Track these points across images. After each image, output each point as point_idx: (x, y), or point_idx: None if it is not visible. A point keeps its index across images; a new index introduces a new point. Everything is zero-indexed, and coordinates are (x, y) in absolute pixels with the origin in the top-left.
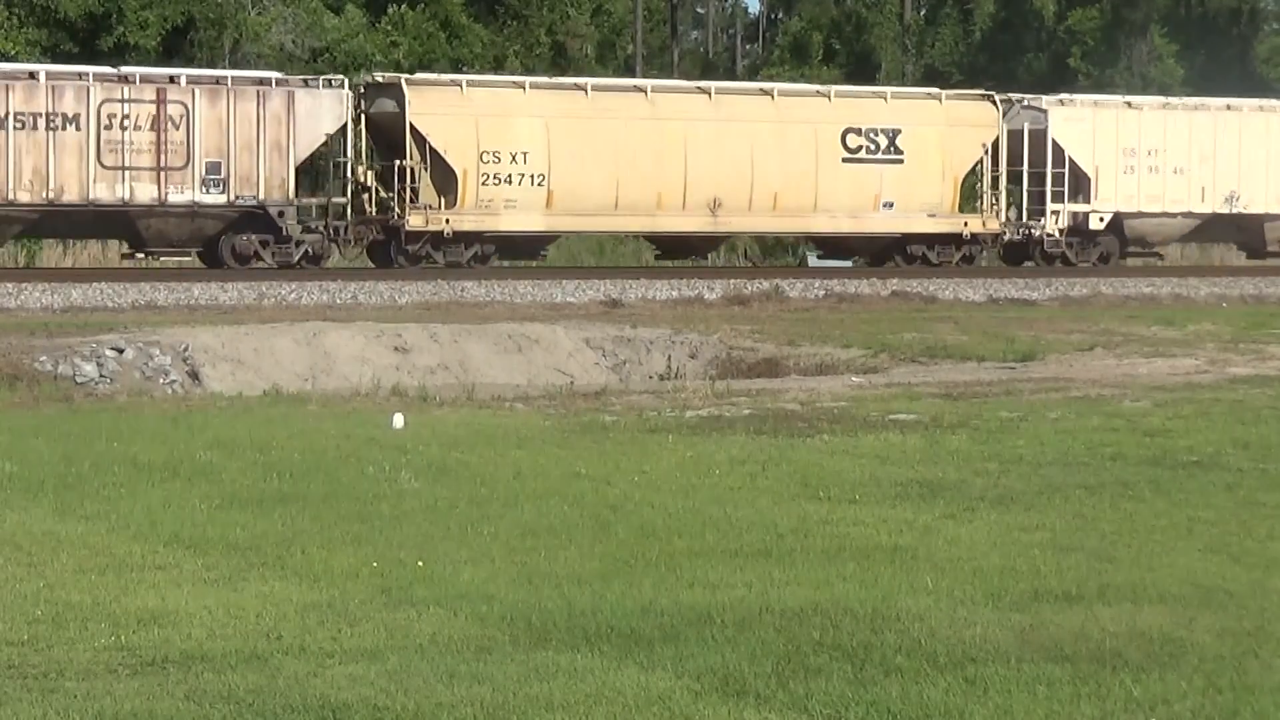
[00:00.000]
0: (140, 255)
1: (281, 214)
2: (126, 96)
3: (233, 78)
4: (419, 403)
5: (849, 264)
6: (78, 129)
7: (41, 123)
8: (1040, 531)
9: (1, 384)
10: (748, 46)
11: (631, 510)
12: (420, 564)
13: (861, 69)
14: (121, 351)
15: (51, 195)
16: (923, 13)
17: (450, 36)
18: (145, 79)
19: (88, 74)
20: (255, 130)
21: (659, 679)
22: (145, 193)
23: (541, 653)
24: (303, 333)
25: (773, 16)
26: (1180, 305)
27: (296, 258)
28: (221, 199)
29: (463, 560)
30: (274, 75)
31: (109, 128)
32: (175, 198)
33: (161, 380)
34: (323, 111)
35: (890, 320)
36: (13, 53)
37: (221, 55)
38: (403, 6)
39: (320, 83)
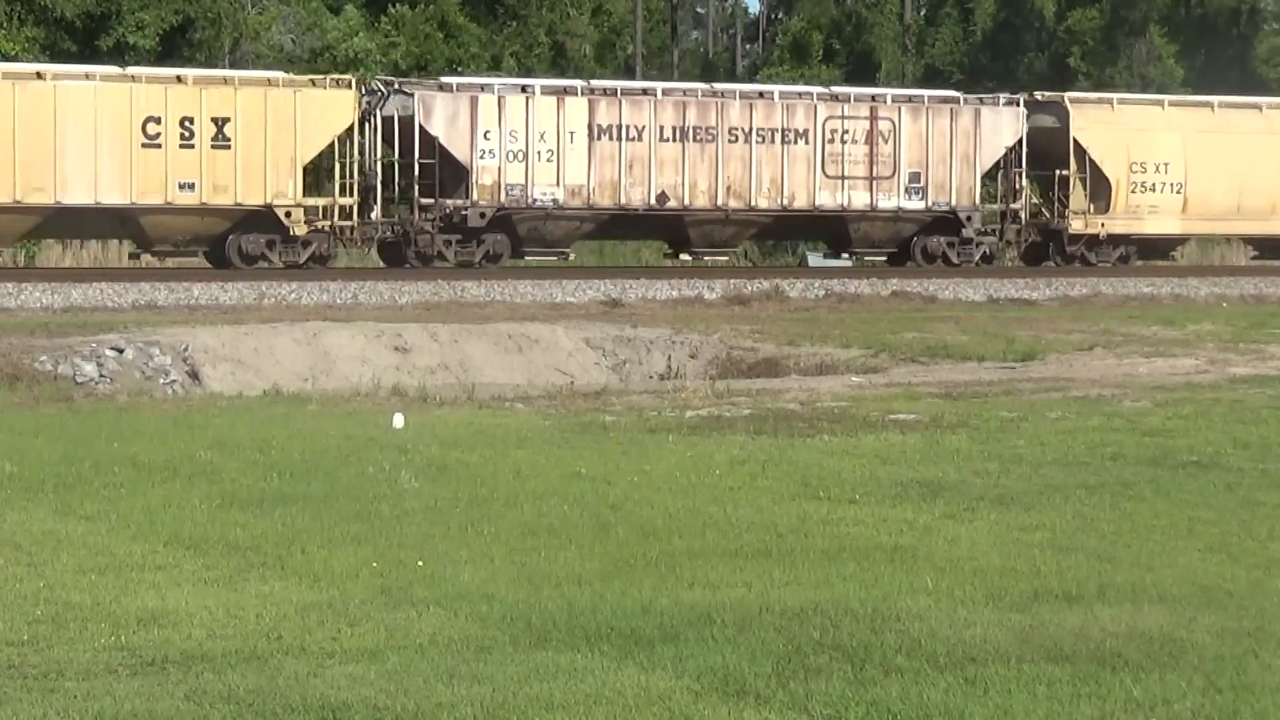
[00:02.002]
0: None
1: (969, 218)
2: (844, 114)
3: (928, 96)
4: (419, 403)
5: (848, 263)
6: (806, 143)
7: (778, 137)
8: (1040, 531)
9: (1, 384)
10: (748, 46)
11: (631, 510)
12: (420, 564)
13: (861, 69)
14: (121, 351)
15: (785, 202)
16: (923, 13)
17: (448, 36)
18: (858, 98)
19: (811, 94)
20: (948, 143)
21: (659, 679)
22: (859, 199)
23: (541, 653)
24: (303, 333)
25: (773, 16)
26: (1180, 305)
27: (975, 258)
28: (920, 205)
29: (463, 560)
30: (959, 95)
31: (830, 141)
32: (883, 204)
33: (161, 380)
34: (1003, 127)
35: (890, 320)
36: (12, 52)
37: (220, 55)
38: (402, 7)
39: (1000, 100)
